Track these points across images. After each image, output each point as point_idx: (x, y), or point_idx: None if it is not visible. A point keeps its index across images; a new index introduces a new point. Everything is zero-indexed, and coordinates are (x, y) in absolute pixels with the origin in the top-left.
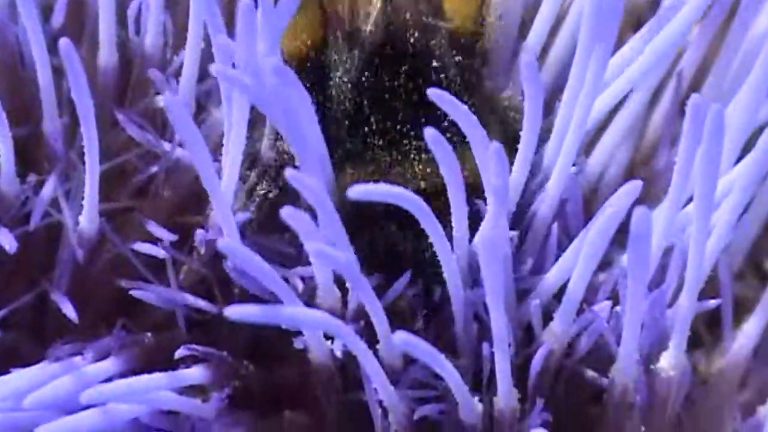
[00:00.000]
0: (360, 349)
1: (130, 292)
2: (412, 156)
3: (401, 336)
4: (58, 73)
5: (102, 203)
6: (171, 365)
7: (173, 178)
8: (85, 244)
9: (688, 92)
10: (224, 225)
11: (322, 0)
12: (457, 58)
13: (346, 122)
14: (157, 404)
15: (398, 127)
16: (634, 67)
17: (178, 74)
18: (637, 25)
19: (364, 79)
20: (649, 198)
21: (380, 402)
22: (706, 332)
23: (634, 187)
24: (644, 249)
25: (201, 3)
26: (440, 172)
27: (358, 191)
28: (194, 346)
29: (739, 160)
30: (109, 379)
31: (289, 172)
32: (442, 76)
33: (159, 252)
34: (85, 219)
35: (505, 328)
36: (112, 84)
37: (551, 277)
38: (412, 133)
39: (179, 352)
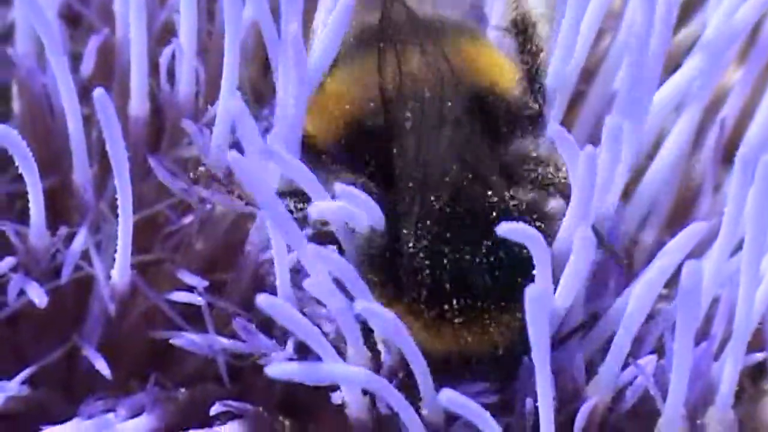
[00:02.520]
0: (403, 407)
1: (170, 341)
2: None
3: (448, 394)
4: (87, 121)
5: (133, 255)
6: (206, 421)
7: (206, 229)
8: (117, 297)
9: (730, 137)
10: (280, 276)
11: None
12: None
13: (423, 291)
14: None
15: (475, 299)
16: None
17: (210, 124)
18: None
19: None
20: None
21: None
22: (750, 384)
23: (689, 237)
24: (694, 303)
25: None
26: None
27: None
28: (229, 401)
29: None
30: None
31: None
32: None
33: (195, 298)
34: (118, 272)
35: (550, 384)
36: (143, 133)
37: (596, 331)
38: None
39: (215, 409)
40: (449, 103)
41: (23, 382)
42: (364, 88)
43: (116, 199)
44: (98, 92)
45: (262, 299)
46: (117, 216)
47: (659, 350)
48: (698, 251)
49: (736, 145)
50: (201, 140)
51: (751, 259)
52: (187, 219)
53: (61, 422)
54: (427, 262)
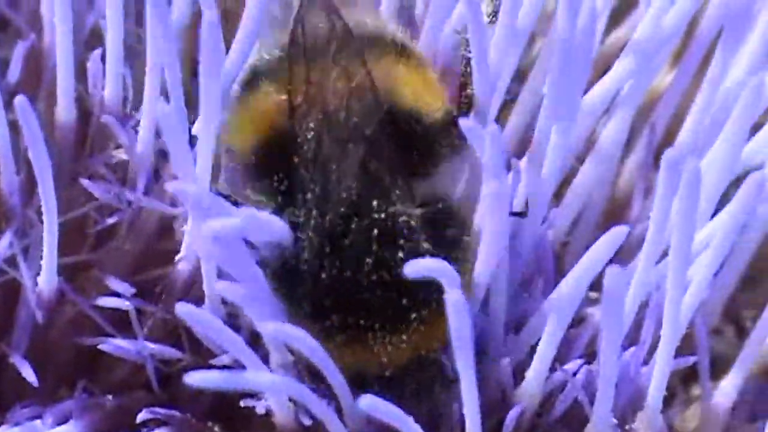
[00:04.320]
0: (326, 414)
1: (98, 346)
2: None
3: (367, 401)
4: (14, 128)
5: (61, 258)
6: (133, 428)
7: (135, 230)
8: (45, 304)
9: (663, 140)
10: (207, 284)
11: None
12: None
13: (308, 303)
14: None
15: (359, 316)
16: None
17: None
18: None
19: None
20: (622, 250)
21: None
22: (682, 389)
23: (615, 236)
24: (618, 309)
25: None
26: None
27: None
28: (157, 408)
29: (715, 212)
30: None
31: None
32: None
33: (123, 303)
34: (44, 279)
35: (475, 390)
36: (70, 139)
37: (524, 335)
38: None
39: (142, 415)
40: (356, 119)
41: None
42: (276, 104)
43: None
44: (19, 99)
45: (181, 309)
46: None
47: (590, 356)
48: (628, 255)
49: (667, 148)
50: (127, 142)
51: (677, 265)
52: (114, 221)
53: None
54: (314, 272)
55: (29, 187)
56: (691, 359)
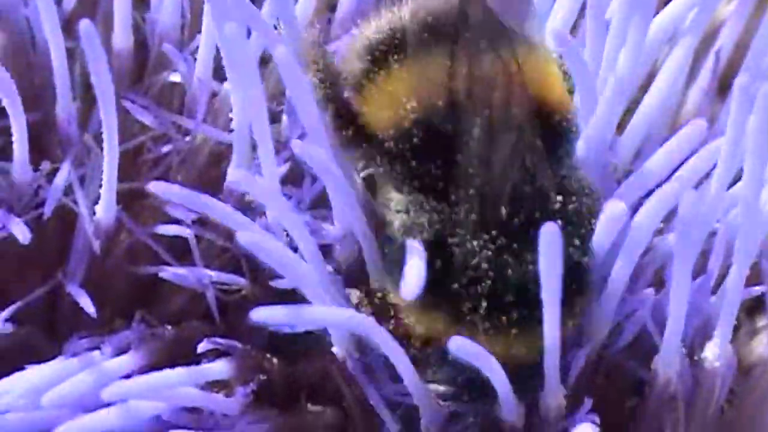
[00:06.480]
0: (392, 349)
1: (156, 277)
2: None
3: (458, 342)
4: (69, 56)
5: (118, 186)
6: (193, 358)
7: (190, 160)
8: (102, 233)
9: (725, 70)
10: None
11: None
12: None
13: (481, 302)
14: (181, 401)
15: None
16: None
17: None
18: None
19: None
20: None
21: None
22: (746, 320)
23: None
24: (693, 235)
25: None
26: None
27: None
28: (217, 339)
29: None
30: (129, 375)
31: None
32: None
33: (183, 231)
34: (102, 207)
35: (558, 323)
36: (127, 67)
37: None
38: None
39: (202, 346)
40: (515, 109)
41: (6, 320)
42: (433, 87)
43: (100, 134)
44: (84, 23)
45: (242, 236)
46: (101, 150)
47: (654, 285)
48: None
49: (728, 78)
50: (185, 68)
51: (750, 190)
52: (169, 149)
53: (44, 360)
54: (489, 273)
55: (84, 115)
56: (760, 288)
